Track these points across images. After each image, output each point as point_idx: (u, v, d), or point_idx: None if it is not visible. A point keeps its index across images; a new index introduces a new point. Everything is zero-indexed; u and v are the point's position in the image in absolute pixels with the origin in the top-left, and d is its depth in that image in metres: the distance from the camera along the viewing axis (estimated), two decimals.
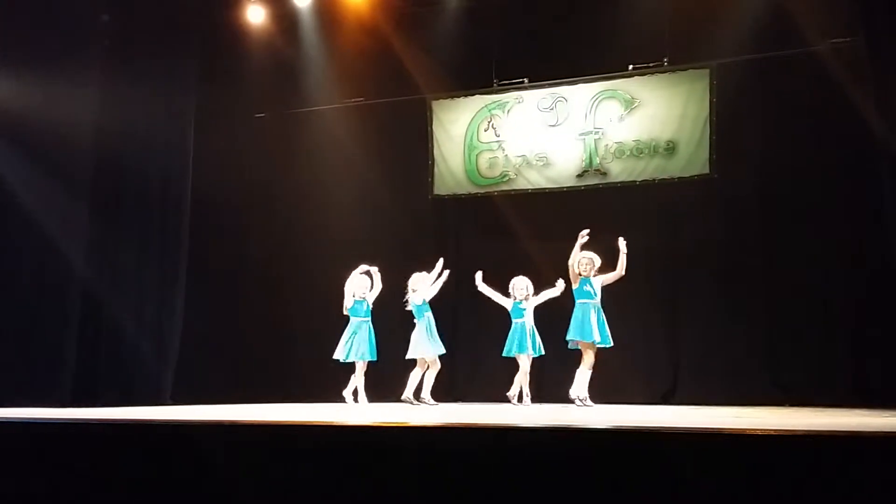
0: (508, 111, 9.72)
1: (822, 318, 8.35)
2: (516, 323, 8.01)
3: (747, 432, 3.72)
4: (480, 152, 9.79)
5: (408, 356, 8.04)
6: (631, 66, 9.20)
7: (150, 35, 9.09)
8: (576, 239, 7.50)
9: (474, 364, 9.45)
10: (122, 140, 8.83)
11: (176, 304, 9.16)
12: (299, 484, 4.17)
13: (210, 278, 9.81)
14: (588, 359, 7.43)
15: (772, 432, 3.71)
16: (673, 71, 9.06)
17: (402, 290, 8.21)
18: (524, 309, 7.99)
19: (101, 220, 8.69)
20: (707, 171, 8.87)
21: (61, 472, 4.62)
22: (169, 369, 8.99)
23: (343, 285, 8.25)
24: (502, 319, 8.16)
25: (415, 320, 8.15)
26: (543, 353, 8.00)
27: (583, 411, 6.94)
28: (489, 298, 8.21)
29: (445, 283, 8.24)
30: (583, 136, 9.37)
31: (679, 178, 8.99)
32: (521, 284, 8.05)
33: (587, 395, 7.38)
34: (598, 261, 7.59)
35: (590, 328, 7.36)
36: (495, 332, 8.29)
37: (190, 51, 9.56)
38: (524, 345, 7.90)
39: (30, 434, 4.89)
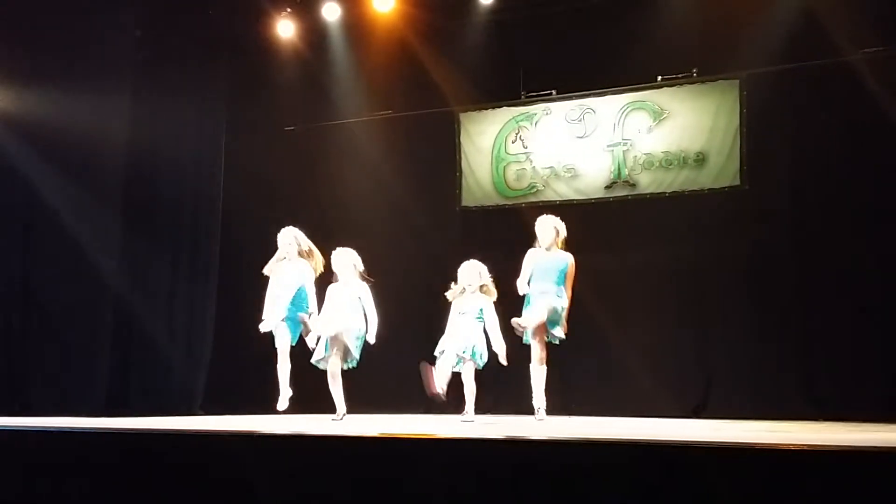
0: (536, 123, 9.72)
1: (856, 331, 8.21)
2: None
3: (780, 447, 3.67)
4: (508, 164, 9.80)
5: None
6: (660, 78, 9.16)
7: (181, 49, 9.25)
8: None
9: (494, 374, 9.39)
10: (154, 152, 8.99)
11: (207, 314, 9.25)
12: (330, 497, 4.17)
13: (241, 289, 9.87)
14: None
15: (805, 447, 3.66)
16: (702, 82, 9.01)
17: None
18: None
19: (132, 231, 8.82)
20: (738, 182, 8.80)
21: (93, 480, 4.67)
22: (200, 379, 9.06)
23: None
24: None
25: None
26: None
27: (610, 425, 6.86)
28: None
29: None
30: (611, 148, 9.34)
31: (709, 189, 8.93)
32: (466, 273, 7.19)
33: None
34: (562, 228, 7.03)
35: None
36: (516, 341, 8.26)
37: (221, 65, 9.71)
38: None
39: (63, 443, 4.96)
